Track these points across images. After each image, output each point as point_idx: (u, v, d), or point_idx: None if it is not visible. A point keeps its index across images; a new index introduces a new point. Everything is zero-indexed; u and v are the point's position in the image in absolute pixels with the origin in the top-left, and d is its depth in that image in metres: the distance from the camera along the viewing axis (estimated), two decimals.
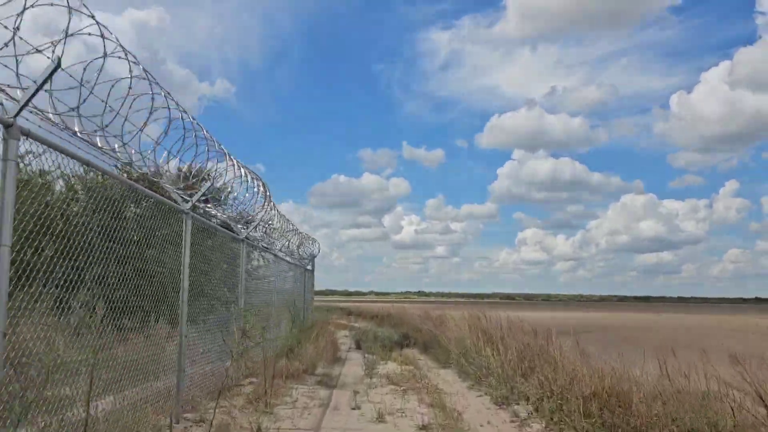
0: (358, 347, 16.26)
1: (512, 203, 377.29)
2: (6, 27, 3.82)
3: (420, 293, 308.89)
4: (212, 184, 7.99)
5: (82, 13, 4.31)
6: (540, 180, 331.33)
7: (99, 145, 5.03)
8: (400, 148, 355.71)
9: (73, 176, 5.57)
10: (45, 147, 4.24)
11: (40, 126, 4.21)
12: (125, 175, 7.20)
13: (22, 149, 3.94)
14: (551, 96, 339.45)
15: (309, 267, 19.78)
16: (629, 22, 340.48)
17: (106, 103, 4.84)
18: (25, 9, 3.89)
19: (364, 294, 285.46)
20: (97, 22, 4.59)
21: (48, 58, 4.02)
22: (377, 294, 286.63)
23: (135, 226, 6.18)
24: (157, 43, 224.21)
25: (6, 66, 3.90)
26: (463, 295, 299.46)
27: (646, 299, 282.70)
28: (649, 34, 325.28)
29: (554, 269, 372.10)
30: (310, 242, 18.57)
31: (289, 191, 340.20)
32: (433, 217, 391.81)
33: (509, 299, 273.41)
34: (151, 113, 5.52)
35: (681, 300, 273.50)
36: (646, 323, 46.94)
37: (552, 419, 7.18)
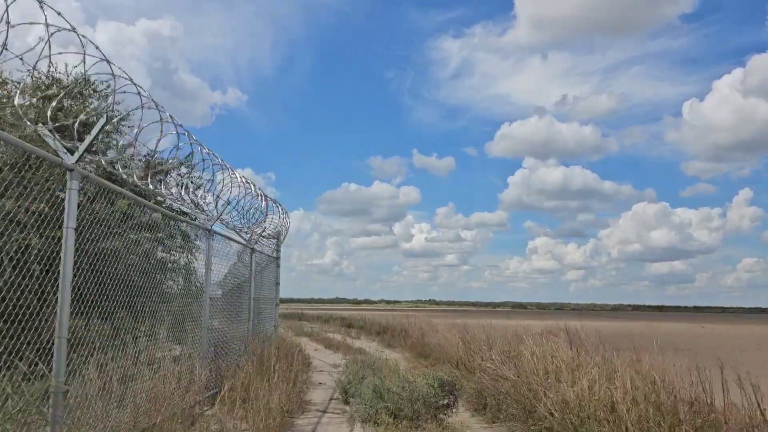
0: (347, 401, 9.03)
1: (523, 211, 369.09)
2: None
3: (431, 302, 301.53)
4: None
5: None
6: (551, 188, 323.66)
7: None
8: (410, 156, 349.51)
9: None
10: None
11: None
12: None
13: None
14: (562, 104, 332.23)
15: (273, 254, 13.21)
16: (640, 30, 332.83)
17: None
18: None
19: (373, 302, 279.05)
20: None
21: None
22: (387, 302, 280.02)
23: None
24: (170, 53, 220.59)
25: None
26: (474, 304, 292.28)
27: (660, 308, 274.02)
28: (661, 42, 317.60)
29: (565, 278, 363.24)
30: (274, 210, 12.09)
31: (300, 199, 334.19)
32: (443, 226, 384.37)
33: (521, 308, 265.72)
34: None
35: (697, 309, 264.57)
36: (709, 336, 39.79)
37: None
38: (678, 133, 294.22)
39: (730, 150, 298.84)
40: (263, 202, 11.70)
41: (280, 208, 12.63)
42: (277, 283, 13.47)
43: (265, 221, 11.93)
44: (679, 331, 44.28)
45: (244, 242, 10.97)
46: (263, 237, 12.30)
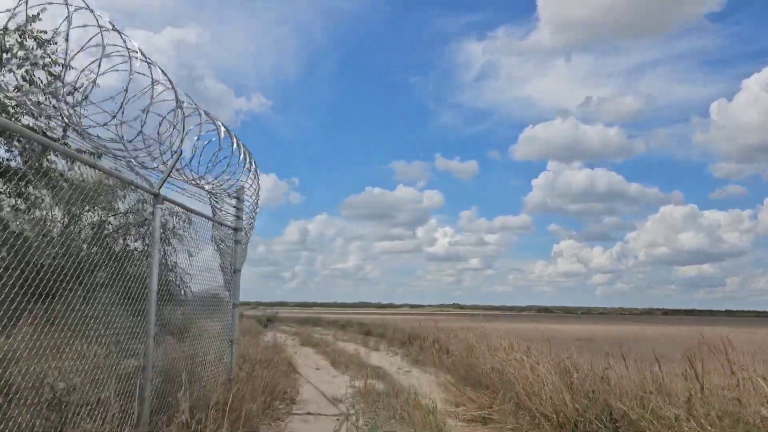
0: None
1: (547, 215, 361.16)
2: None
3: (455, 305, 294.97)
4: None
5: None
6: (575, 191, 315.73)
7: None
8: (433, 160, 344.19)
9: None
10: None
11: None
12: None
13: None
14: (586, 106, 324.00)
15: (227, 220, 8.05)
16: (666, 30, 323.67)
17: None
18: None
19: (397, 306, 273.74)
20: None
21: None
22: (411, 306, 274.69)
23: None
24: (195, 60, 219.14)
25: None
26: (498, 308, 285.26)
27: (691, 312, 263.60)
28: (687, 42, 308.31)
29: (591, 282, 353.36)
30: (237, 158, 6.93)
31: (323, 204, 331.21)
32: (466, 229, 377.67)
33: (546, 312, 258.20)
34: None
35: (730, 314, 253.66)
36: None
37: None
38: (706, 134, 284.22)
39: (761, 150, 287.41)
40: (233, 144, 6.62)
41: (249, 173, 7.49)
42: (236, 270, 8.27)
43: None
44: (747, 340, 38.01)
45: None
46: (213, 190, 7.18)
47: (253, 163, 7.99)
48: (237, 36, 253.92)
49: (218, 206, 7.92)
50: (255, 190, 8.50)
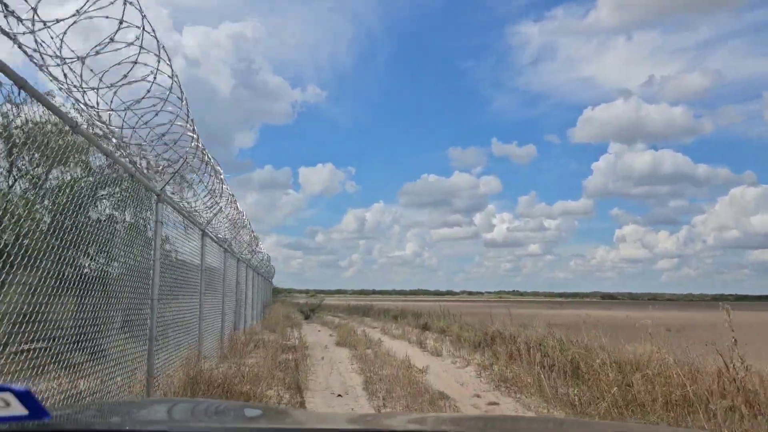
0: None
1: (609, 199, 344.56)
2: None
3: (514, 293, 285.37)
4: None
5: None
6: (638, 174, 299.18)
7: None
8: (489, 146, 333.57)
9: None
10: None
11: None
12: None
13: None
14: (649, 85, 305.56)
15: None
16: (736, 3, 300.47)
17: None
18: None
19: (455, 294, 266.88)
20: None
21: None
22: (470, 294, 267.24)
23: None
24: (253, 53, 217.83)
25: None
26: (560, 295, 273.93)
27: (765, 298, 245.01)
28: (760, 14, 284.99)
29: (656, 267, 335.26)
30: None
31: (380, 192, 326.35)
32: (525, 215, 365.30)
33: (611, 298, 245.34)
34: None
35: None
36: None
37: None
38: None
39: None
40: None
41: None
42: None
43: None
44: None
45: None
46: None
47: None
48: (292, 27, 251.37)
49: None
50: None
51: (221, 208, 9.60)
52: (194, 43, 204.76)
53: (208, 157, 7.97)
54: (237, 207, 11.49)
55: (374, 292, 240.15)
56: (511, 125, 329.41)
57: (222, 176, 9.24)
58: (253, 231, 16.62)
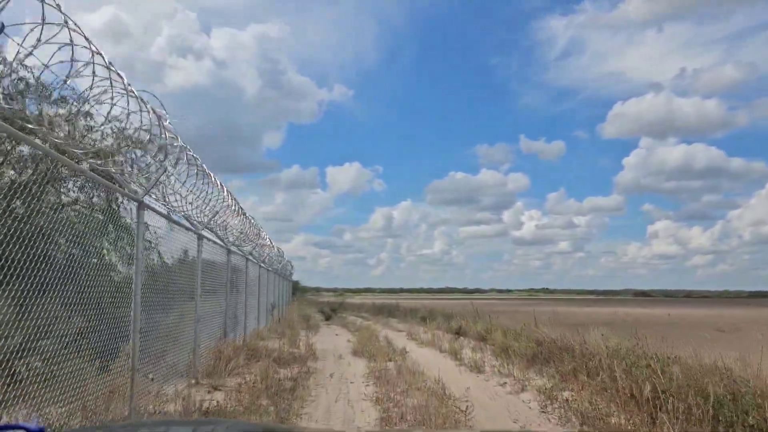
0: None
1: (640, 194, 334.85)
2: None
3: (544, 290, 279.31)
4: None
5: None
6: (671, 168, 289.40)
7: None
8: (517, 142, 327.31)
9: None
10: None
11: None
12: None
13: None
14: (681, 78, 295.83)
15: None
16: None
17: None
18: None
19: (484, 291, 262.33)
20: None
21: None
22: (498, 292, 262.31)
23: None
24: (279, 54, 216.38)
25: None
26: (591, 292, 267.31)
27: None
28: None
29: (690, 263, 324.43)
30: None
31: (407, 190, 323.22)
32: (554, 212, 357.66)
33: (644, 296, 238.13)
34: None
35: None
36: None
37: None
38: None
39: None
40: None
41: None
42: None
43: None
44: None
45: None
46: None
47: None
48: (317, 27, 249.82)
49: None
50: None
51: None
52: (221, 45, 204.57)
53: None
54: (218, 183, 8.77)
55: (402, 290, 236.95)
56: (539, 121, 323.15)
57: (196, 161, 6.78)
58: (252, 219, 13.97)
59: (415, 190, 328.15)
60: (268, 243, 17.88)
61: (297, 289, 77.59)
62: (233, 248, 11.99)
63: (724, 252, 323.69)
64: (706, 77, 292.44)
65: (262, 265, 16.58)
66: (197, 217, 8.30)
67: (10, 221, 3.82)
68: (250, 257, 14.41)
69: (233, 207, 10.72)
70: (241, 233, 13.22)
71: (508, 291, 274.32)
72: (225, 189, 9.59)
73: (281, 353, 12.21)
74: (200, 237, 8.79)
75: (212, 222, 9.28)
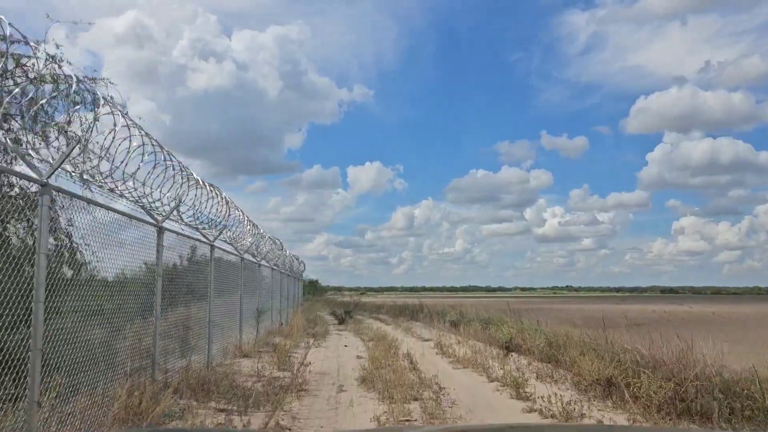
0: None
1: (665, 190, 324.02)
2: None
3: (568, 288, 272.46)
4: None
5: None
6: (696, 163, 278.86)
7: None
8: (539, 139, 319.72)
9: None
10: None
11: None
12: None
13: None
14: (705, 71, 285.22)
15: None
16: None
17: None
18: None
19: (507, 290, 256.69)
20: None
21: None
22: (522, 290, 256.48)
23: None
24: (298, 55, 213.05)
25: None
26: (617, 290, 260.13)
27: None
28: None
29: (717, 260, 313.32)
30: None
31: (428, 188, 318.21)
32: (577, 208, 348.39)
33: (672, 293, 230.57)
34: None
35: None
36: None
37: None
38: None
39: None
40: None
41: None
42: None
43: None
44: None
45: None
46: None
47: None
48: (336, 27, 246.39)
49: None
50: None
51: None
52: (242, 47, 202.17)
53: None
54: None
55: (424, 288, 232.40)
56: (561, 117, 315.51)
57: None
58: (231, 202, 10.07)
59: (436, 189, 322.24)
60: (259, 230, 13.91)
61: (316, 288, 73.93)
62: (207, 234, 8.05)
63: (752, 248, 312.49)
64: (731, 70, 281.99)
65: (246, 255, 12.63)
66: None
67: None
68: (214, 238, 10.46)
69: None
70: (221, 215, 9.41)
71: (532, 289, 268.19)
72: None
73: (258, 381, 8.29)
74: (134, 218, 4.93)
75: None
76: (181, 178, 7.58)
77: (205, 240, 9.41)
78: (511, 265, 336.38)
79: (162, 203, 6.97)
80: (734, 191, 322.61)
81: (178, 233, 8.14)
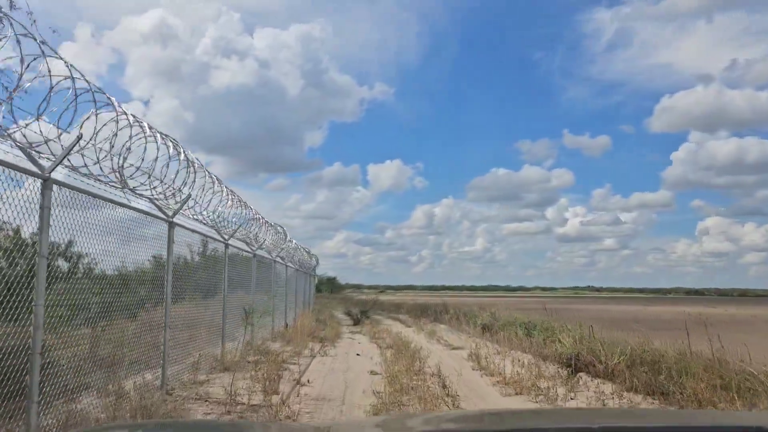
0: None
1: (690, 190, 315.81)
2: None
3: (589, 288, 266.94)
4: None
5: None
6: (722, 163, 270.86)
7: None
8: (561, 137, 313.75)
9: None
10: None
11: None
12: None
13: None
14: (732, 70, 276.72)
15: None
16: None
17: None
18: None
19: (528, 289, 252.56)
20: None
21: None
22: (543, 289, 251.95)
23: None
24: (320, 53, 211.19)
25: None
26: (640, 290, 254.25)
27: None
28: None
29: (743, 261, 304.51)
30: None
31: (448, 187, 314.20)
32: (599, 208, 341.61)
33: (697, 294, 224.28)
34: None
35: None
36: None
37: None
38: None
39: None
40: None
41: None
42: None
43: None
44: None
45: None
46: None
47: None
48: (358, 25, 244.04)
49: None
50: None
51: None
52: (264, 45, 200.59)
53: None
54: None
55: (444, 287, 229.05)
56: (584, 116, 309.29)
57: None
58: (218, 181, 7.51)
59: (456, 187, 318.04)
60: (258, 215, 11.33)
61: (334, 286, 71.56)
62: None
63: None
64: (759, 68, 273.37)
65: (232, 241, 10.05)
66: None
67: None
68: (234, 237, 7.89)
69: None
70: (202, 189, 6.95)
71: (553, 289, 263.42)
72: None
73: (228, 412, 5.74)
74: None
75: None
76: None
77: (163, 216, 6.84)
78: (532, 264, 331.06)
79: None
80: (761, 192, 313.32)
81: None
